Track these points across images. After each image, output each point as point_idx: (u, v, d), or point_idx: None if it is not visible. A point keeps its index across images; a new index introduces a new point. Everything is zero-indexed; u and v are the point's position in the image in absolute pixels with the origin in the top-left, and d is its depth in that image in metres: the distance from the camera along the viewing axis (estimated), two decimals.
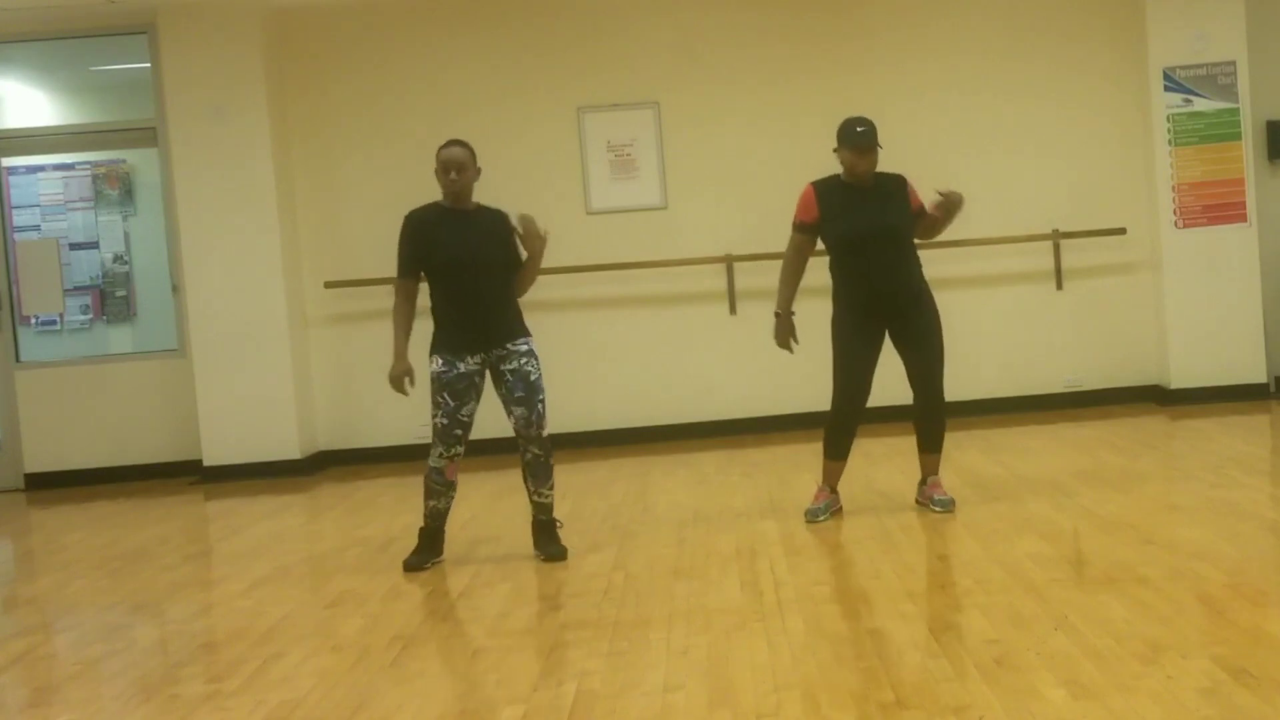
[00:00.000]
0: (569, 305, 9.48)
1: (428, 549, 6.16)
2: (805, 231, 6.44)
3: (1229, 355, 9.31)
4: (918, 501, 6.62)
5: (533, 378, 5.99)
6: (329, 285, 9.54)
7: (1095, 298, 9.58)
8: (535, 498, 6.15)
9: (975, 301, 9.56)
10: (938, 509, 6.44)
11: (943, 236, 9.47)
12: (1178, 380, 9.33)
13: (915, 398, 6.48)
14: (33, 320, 10.06)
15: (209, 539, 7.71)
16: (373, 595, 5.70)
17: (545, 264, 9.25)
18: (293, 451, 9.29)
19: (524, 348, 6.02)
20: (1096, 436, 8.43)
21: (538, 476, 6.09)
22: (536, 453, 6.04)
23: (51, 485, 9.49)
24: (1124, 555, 5.36)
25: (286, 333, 9.29)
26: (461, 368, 5.95)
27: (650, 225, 9.58)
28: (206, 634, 5.49)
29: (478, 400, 6.02)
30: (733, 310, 9.58)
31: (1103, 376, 9.59)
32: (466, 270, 5.96)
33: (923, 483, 6.60)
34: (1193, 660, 4.00)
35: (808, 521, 6.47)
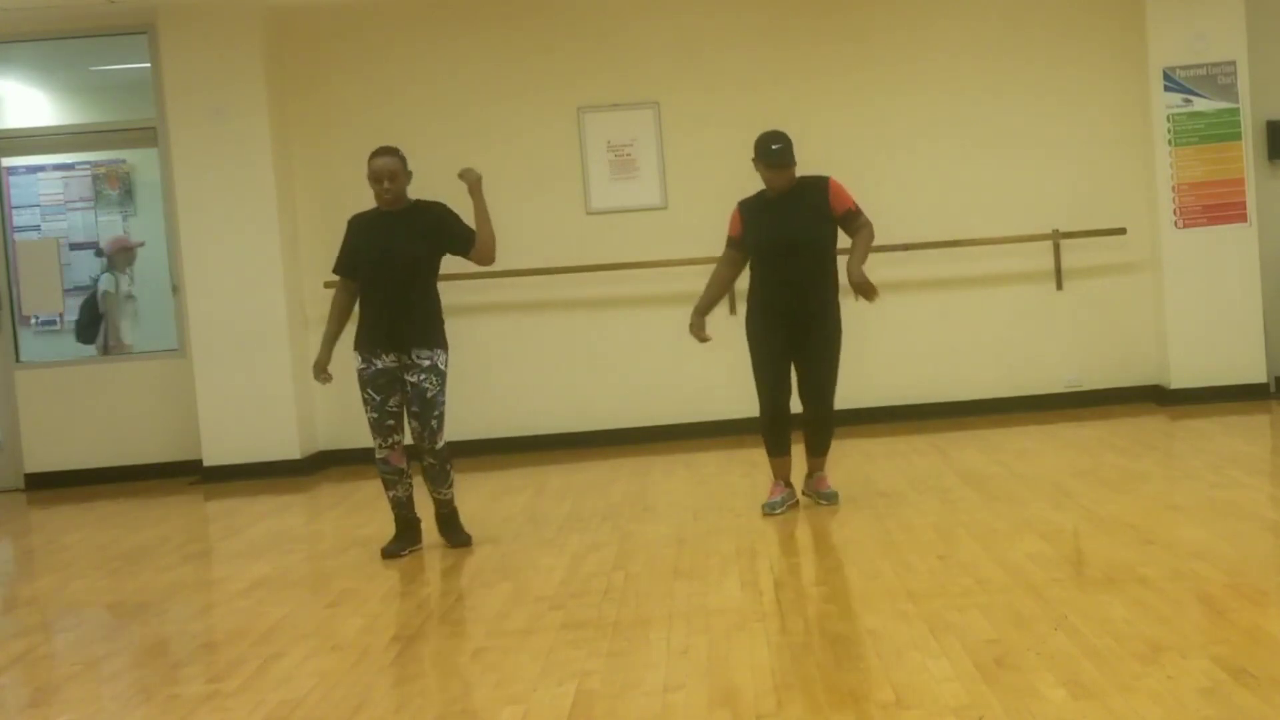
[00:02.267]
0: (569, 305, 9.48)
1: (404, 537, 6.47)
2: (733, 246, 6.80)
3: (1229, 355, 9.30)
4: (804, 493, 6.89)
5: (429, 395, 6.24)
6: (329, 285, 9.50)
7: (1095, 298, 9.58)
8: (435, 495, 6.48)
9: (975, 301, 9.56)
10: (824, 502, 6.78)
11: (943, 236, 9.49)
12: (1178, 380, 9.33)
13: (804, 408, 6.78)
14: (33, 320, 10.06)
15: (209, 539, 7.71)
16: (373, 595, 5.70)
17: (545, 264, 9.32)
18: (293, 451, 9.29)
19: (426, 363, 6.23)
20: (1096, 436, 8.43)
21: (434, 480, 6.40)
22: (431, 461, 6.34)
23: (51, 485, 9.49)
24: (1124, 555, 5.36)
25: (286, 333, 9.29)
26: (379, 364, 6.25)
27: (650, 225, 9.57)
28: (206, 634, 5.50)
29: (403, 391, 6.29)
30: (732, 310, 9.54)
31: (1103, 376, 9.58)
32: (382, 272, 6.23)
33: (809, 477, 6.89)
34: (1193, 660, 4.00)
35: (765, 514, 6.70)
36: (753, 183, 9.42)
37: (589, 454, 9.20)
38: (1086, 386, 9.56)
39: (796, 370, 6.72)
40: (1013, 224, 9.47)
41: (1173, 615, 4.50)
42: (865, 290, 6.42)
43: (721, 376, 9.58)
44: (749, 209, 6.75)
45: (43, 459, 9.57)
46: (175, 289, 9.59)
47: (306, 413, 9.47)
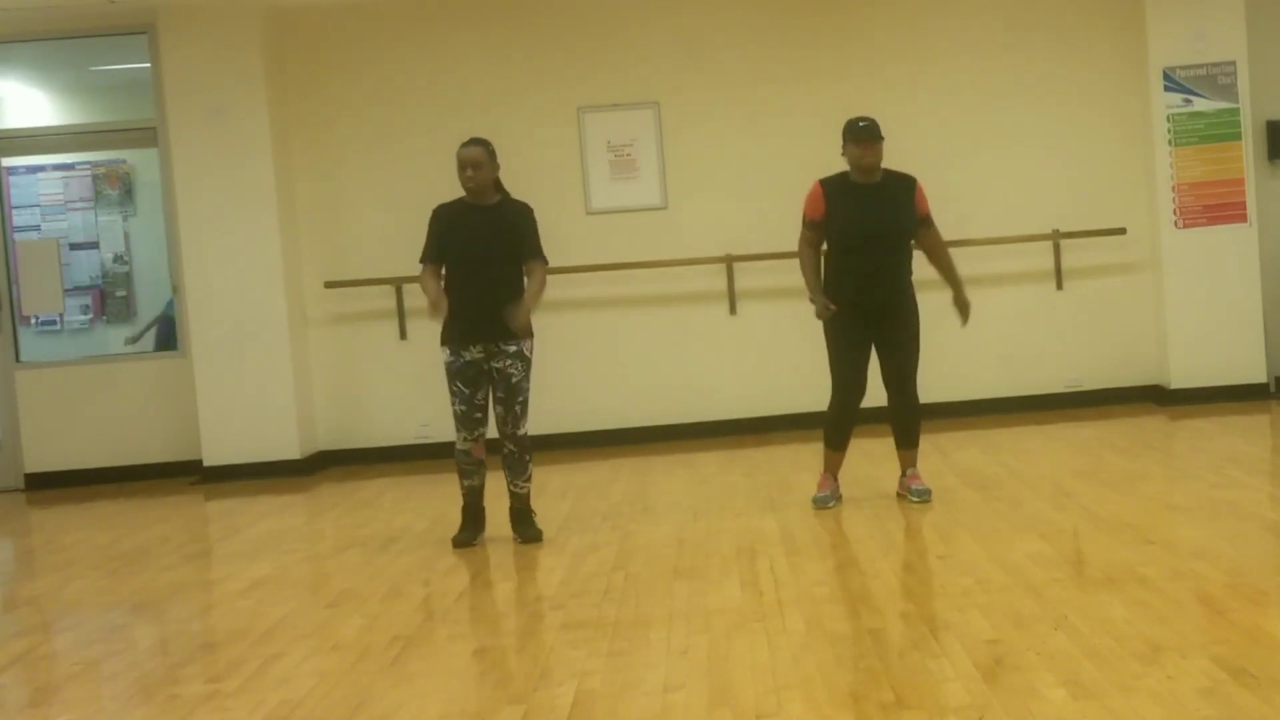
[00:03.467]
0: (569, 305, 9.48)
1: (472, 525, 6.53)
2: (814, 228, 6.60)
3: (1229, 355, 9.30)
4: (898, 494, 6.83)
5: (514, 380, 6.31)
6: (329, 285, 9.53)
7: (1095, 298, 9.58)
8: (512, 488, 6.53)
9: (975, 301, 9.49)
10: (915, 499, 6.68)
11: (943, 236, 9.47)
12: (1178, 380, 9.33)
13: (890, 400, 6.75)
14: (33, 320, 10.06)
15: (209, 539, 7.71)
16: (373, 595, 5.70)
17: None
18: (293, 451, 9.29)
19: (513, 349, 6.31)
20: (1096, 436, 8.43)
21: (514, 469, 6.46)
22: (512, 449, 6.40)
23: (51, 485, 9.49)
24: (1124, 555, 5.36)
25: (286, 333, 9.29)
26: (467, 357, 6.29)
27: (650, 225, 9.57)
28: (206, 634, 5.49)
29: (491, 384, 6.36)
30: (733, 310, 9.58)
31: (1103, 376, 9.58)
32: (475, 264, 6.29)
33: (902, 475, 6.84)
34: (1193, 660, 4.00)
35: (816, 508, 6.69)
36: (753, 182, 9.49)
37: (589, 454, 9.20)
38: (1086, 386, 9.56)
39: (880, 359, 6.65)
40: (1013, 224, 9.47)
41: (1173, 615, 4.50)
42: (968, 310, 6.65)
43: (722, 376, 9.59)
44: (833, 191, 6.53)
45: (43, 459, 9.57)
46: (175, 289, 9.59)
47: (306, 413, 9.47)
